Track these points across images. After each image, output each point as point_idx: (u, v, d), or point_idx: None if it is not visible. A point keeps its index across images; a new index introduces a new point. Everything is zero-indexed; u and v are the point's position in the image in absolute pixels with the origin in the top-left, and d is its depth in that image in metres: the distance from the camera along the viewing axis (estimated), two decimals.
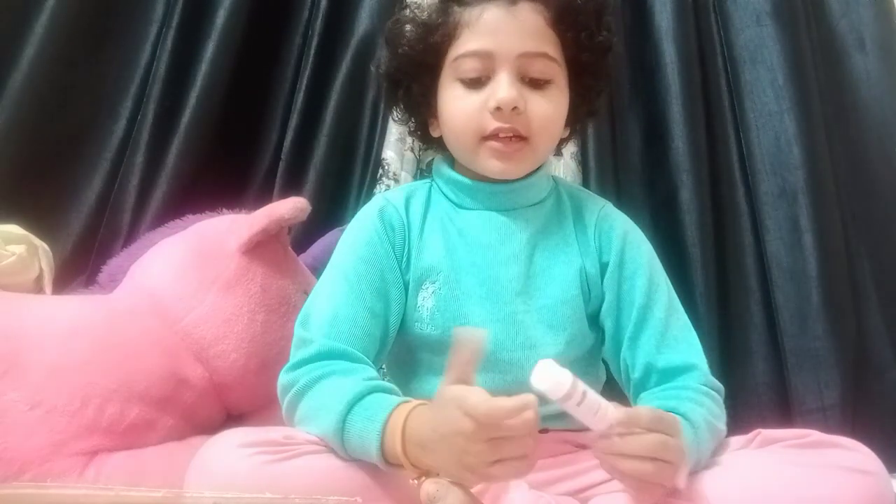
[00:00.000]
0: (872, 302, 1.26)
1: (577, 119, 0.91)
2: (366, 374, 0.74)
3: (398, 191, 0.94)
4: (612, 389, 0.91)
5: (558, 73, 0.84)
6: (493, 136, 0.82)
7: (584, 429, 0.84)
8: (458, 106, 0.83)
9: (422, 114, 0.91)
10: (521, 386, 0.78)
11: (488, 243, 0.85)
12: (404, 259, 0.85)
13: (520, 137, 0.82)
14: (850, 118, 1.33)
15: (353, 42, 1.34)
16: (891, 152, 1.31)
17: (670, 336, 0.83)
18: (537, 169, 0.88)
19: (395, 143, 1.28)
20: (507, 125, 0.81)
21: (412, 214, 0.88)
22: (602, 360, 0.92)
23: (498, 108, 0.80)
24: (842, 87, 1.34)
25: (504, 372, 0.81)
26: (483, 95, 0.81)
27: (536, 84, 0.82)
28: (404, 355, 0.86)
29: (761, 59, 1.32)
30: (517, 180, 0.87)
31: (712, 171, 1.31)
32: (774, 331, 1.22)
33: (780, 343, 1.21)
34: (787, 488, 0.67)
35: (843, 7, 1.36)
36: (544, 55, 0.82)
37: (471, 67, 0.82)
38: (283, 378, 0.77)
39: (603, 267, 0.87)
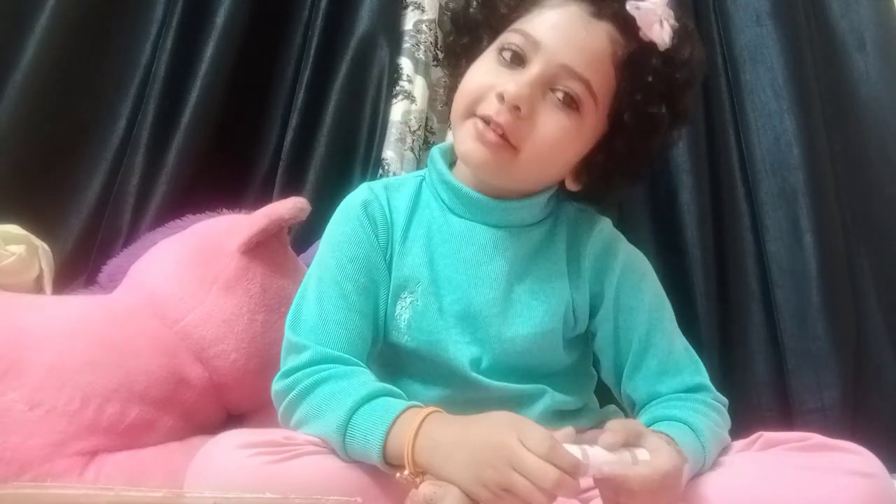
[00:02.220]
0: (872, 302, 1.26)
1: (589, 171, 0.81)
2: (367, 377, 0.74)
3: (382, 185, 0.89)
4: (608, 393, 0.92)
5: (590, 110, 0.76)
6: (484, 120, 0.75)
7: (580, 431, 0.85)
8: (478, 71, 0.79)
9: (457, 74, 0.84)
10: (483, 406, 0.79)
11: (472, 261, 0.82)
12: (386, 259, 0.83)
13: (507, 143, 0.75)
14: (850, 118, 1.33)
15: (353, 42, 1.34)
16: (891, 152, 1.30)
17: (672, 363, 0.82)
18: (538, 193, 0.83)
19: (395, 143, 1.28)
20: (498, 119, 0.74)
21: (396, 213, 0.85)
22: (592, 366, 0.91)
23: (501, 98, 0.74)
24: (842, 87, 1.34)
25: (469, 390, 0.80)
26: (505, 77, 0.75)
27: (562, 103, 0.75)
28: (389, 356, 0.86)
29: (761, 59, 1.31)
30: (513, 199, 0.82)
31: (712, 171, 1.31)
32: (774, 331, 1.22)
33: (780, 343, 1.21)
34: (789, 491, 0.67)
35: (843, 7, 1.36)
36: (585, 82, 0.74)
37: (516, 42, 0.76)
38: (278, 384, 0.77)
39: (594, 297, 0.84)
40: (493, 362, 0.81)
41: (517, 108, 0.73)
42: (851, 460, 0.69)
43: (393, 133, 1.29)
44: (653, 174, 1.31)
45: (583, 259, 0.84)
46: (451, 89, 0.86)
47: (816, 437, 0.72)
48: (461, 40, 0.85)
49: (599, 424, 0.87)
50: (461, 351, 0.81)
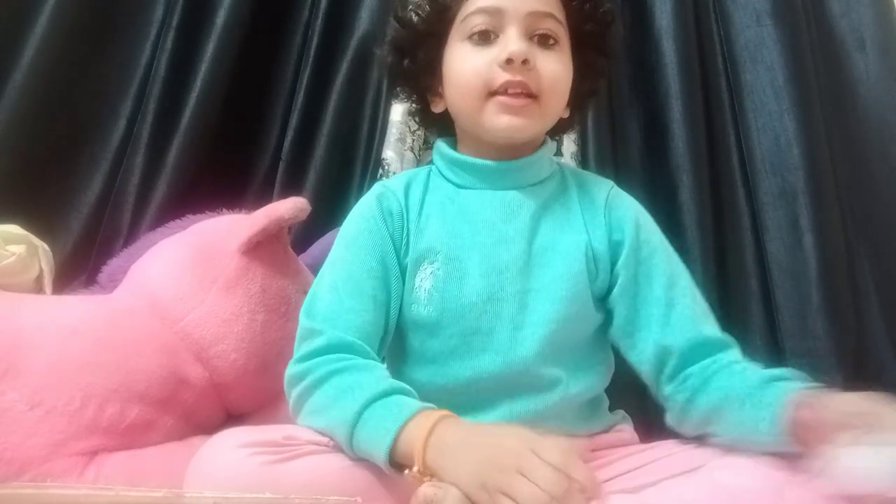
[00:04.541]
0: (872, 302, 1.26)
1: (578, 98, 0.90)
2: (382, 372, 0.75)
3: (396, 177, 0.93)
4: (622, 387, 0.91)
5: (563, 38, 0.84)
6: (502, 91, 0.81)
7: (590, 434, 0.84)
8: (466, 62, 0.83)
9: (425, 86, 0.90)
10: (517, 366, 0.79)
11: (491, 221, 0.84)
12: (403, 244, 0.85)
13: (528, 95, 0.81)
14: (850, 118, 1.33)
15: (353, 42, 1.35)
16: (891, 152, 1.31)
17: (700, 311, 0.83)
18: (540, 146, 0.88)
19: (395, 143, 1.28)
20: (517, 79, 0.80)
21: (411, 198, 0.87)
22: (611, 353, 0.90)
23: (509, 61, 0.79)
24: (842, 87, 1.34)
25: (501, 353, 0.80)
26: (492, 52, 0.81)
27: (544, 43, 0.83)
28: (395, 341, 0.86)
29: (761, 59, 1.32)
30: (520, 158, 0.86)
31: (712, 171, 1.31)
32: (774, 331, 1.22)
33: (780, 343, 1.21)
34: (789, 489, 0.67)
35: (843, 7, 1.36)
36: (552, 16, 0.83)
37: (480, 22, 0.82)
38: (293, 369, 0.76)
39: (613, 245, 0.85)
40: (520, 323, 0.81)
41: (526, 61, 0.80)
42: None
43: (393, 133, 1.29)
44: (653, 174, 1.32)
45: (597, 208, 0.87)
46: (425, 104, 0.92)
47: None
48: (415, 58, 0.88)
49: (609, 429, 0.87)
50: (487, 310, 0.81)
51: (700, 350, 0.80)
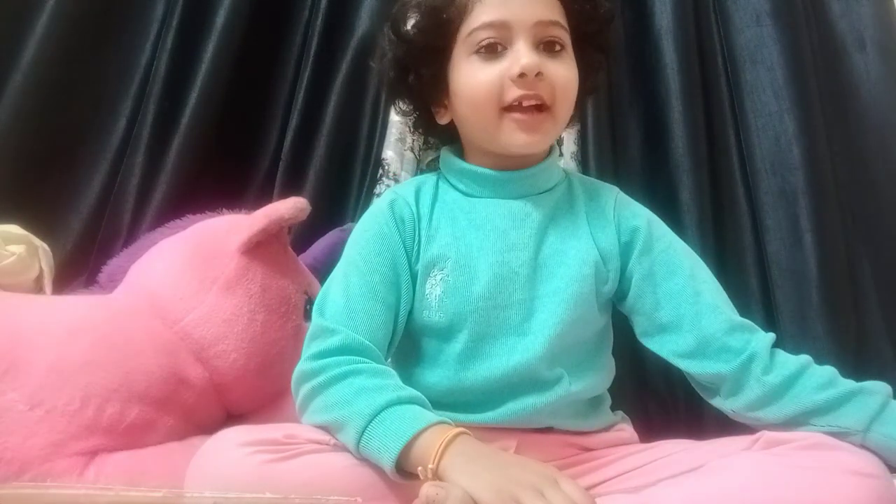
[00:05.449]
0: (872, 302, 1.26)
1: (581, 97, 0.89)
2: (398, 380, 0.75)
3: (408, 183, 0.94)
4: (622, 387, 0.91)
5: (568, 42, 0.85)
6: (516, 106, 0.81)
7: (589, 431, 0.85)
8: (477, 77, 0.82)
9: (429, 101, 0.90)
10: (522, 368, 0.80)
11: (499, 228, 0.85)
12: (414, 250, 0.85)
13: (541, 108, 0.81)
14: (850, 118, 1.33)
15: (353, 42, 1.34)
16: (891, 152, 1.30)
17: (724, 297, 0.85)
18: (548, 155, 0.89)
19: (395, 143, 1.28)
20: (530, 92, 0.80)
21: (422, 205, 0.88)
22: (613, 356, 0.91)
23: (522, 75, 0.79)
24: (842, 86, 1.34)
25: (508, 357, 0.81)
26: (502, 65, 0.81)
27: (550, 50, 0.82)
28: (406, 344, 0.86)
29: (761, 59, 1.31)
30: (529, 167, 0.86)
31: (712, 170, 1.31)
32: (774, 331, 1.21)
33: (779, 343, 1.21)
34: (789, 491, 0.66)
35: (843, 7, 1.36)
36: (557, 23, 0.83)
37: (487, 36, 0.81)
38: (306, 366, 0.76)
39: (623, 247, 0.86)
40: (527, 329, 0.82)
41: (539, 73, 0.80)
42: (852, 460, 0.69)
43: (393, 133, 1.29)
44: (653, 174, 1.32)
45: (605, 214, 0.88)
46: (429, 117, 0.91)
47: (817, 437, 0.72)
48: (420, 75, 0.87)
49: (609, 428, 0.87)
50: (495, 316, 0.82)
51: (737, 333, 0.83)
